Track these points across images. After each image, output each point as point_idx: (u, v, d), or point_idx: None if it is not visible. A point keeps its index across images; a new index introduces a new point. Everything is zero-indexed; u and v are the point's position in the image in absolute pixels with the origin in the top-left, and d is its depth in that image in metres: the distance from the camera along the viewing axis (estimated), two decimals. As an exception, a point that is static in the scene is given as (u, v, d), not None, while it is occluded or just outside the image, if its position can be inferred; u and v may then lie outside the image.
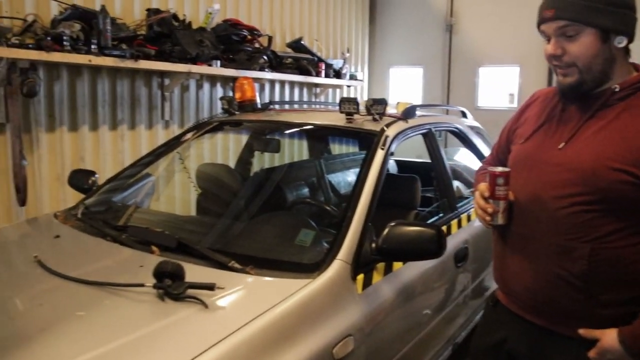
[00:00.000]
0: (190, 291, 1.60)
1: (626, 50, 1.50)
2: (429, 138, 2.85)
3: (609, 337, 1.44)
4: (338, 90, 6.43)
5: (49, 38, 3.23)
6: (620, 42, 1.44)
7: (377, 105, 2.55)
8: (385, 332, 1.99)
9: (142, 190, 2.83)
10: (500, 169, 1.59)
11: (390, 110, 2.72)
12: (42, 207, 3.73)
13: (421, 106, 3.00)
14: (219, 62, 4.33)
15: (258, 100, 3.12)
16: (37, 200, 3.70)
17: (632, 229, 1.43)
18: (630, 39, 1.47)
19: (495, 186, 1.57)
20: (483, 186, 1.63)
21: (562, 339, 1.56)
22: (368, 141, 2.39)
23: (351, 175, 3.58)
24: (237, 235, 2.18)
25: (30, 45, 3.17)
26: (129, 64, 3.65)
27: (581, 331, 1.50)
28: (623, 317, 1.44)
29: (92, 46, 3.42)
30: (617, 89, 1.47)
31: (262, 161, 3.61)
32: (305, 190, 3.07)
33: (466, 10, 6.66)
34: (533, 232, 1.55)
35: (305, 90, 5.90)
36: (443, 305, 2.55)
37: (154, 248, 1.96)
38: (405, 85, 7.26)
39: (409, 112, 2.72)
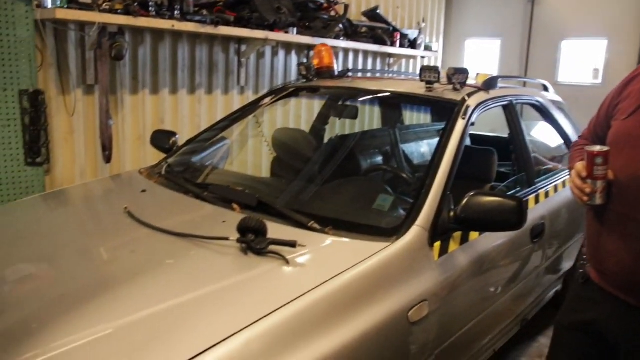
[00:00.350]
0: (273, 247, 1.65)
1: None
2: (510, 110, 2.77)
3: None
4: (412, 61, 6.32)
5: (136, 4, 3.37)
6: None
7: (459, 75, 2.50)
8: (459, 301, 1.99)
9: (219, 152, 2.92)
10: (598, 148, 1.52)
11: (469, 81, 2.66)
12: (125, 165, 3.92)
13: (503, 77, 2.91)
14: (295, 30, 4.36)
15: (335, 68, 3.13)
16: (120, 158, 3.89)
17: None
18: None
19: (593, 166, 1.51)
20: (580, 165, 1.56)
21: None
22: (448, 111, 2.35)
23: (424, 147, 3.55)
24: (314, 197, 2.21)
25: (119, 11, 3.31)
26: (209, 29, 3.74)
27: None
28: None
29: (175, 12, 3.53)
30: None
31: (336, 128, 3.62)
32: (379, 159, 3.07)
33: (551, -21, 6.34)
34: (632, 212, 1.49)
35: (379, 60, 5.84)
36: (516, 280, 2.51)
37: (235, 206, 2.03)
38: (480, 58, 7.04)
39: (490, 83, 2.65)
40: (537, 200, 2.68)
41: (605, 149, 1.51)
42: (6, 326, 1.43)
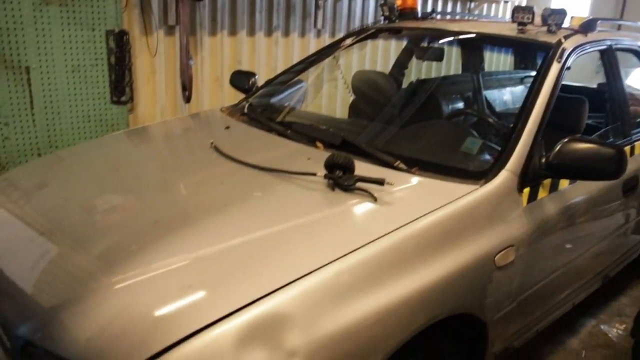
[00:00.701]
0: (360, 184, 1.65)
1: None
2: (608, 55, 2.60)
3: None
4: (494, 6, 6.01)
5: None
6: None
7: (555, 15, 2.34)
8: (544, 250, 1.94)
9: (297, 93, 2.91)
10: None
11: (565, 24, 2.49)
12: (203, 105, 4.02)
13: (602, 20, 2.71)
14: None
15: (419, 9, 3.02)
16: (198, 99, 3.98)
17: None
18: None
19: None
20: None
21: None
22: (542, 53, 2.22)
23: (507, 95, 3.40)
24: (397, 139, 2.18)
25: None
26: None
27: None
28: None
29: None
30: None
31: (417, 71, 3.52)
32: (461, 104, 2.97)
33: None
34: None
35: (459, 4, 5.59)
36: (603, 235, 2.41)
37: (319, 143, 2.04)
38: (570, 2, 6.58)
39: (589, 25, 2.48)
40: (632, 152, 2.54)
41: None
42: (108, 246, 1.52)
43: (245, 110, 2.55)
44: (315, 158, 1.86)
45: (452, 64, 4.21)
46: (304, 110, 2.94)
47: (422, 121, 2.38)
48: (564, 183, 2.03)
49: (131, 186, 1.91)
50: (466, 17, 3.65)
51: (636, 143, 2.58)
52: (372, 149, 1.92)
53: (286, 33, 4.29)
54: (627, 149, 2.50)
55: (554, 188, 1.97)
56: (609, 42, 2.61)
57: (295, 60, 4.06)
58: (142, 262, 1.38)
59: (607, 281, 2.76)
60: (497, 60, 4.01)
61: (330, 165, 1.70)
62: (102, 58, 3.43)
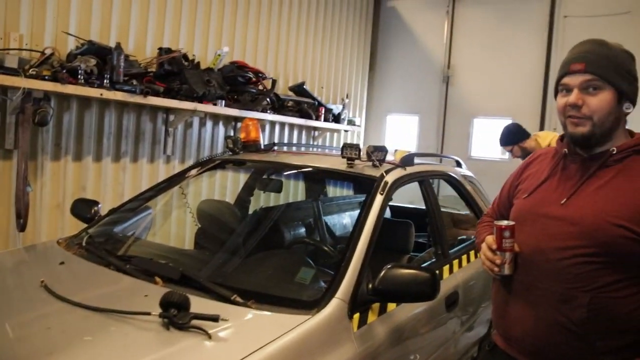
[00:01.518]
0: (195, 322, 1.66)
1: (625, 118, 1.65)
2: (425, 186, 2.96)
3: None
4: (335, 135, 6.60)
5: (64, 71, 3.36)
6: (628, 108, 1.61)
7: (377, 152, 2.66)
8: (379, 371, 2.05)
9: (143, 222, 2.90)
10: (506, 222, 1.69)
11: (388, 157, 2.84)
12: (40, 234, 3.78)
13: (419, 155, 3.12)
14: (223, 102, 4.49)
15: (261, 141, 3.24)
16: (35, 227, 3.75)
17: (631, 280, 1.53)
18: (634, 106, 1.63)
19: (502, 239, 1.67)
20: (490, 239, 1.73)
21: None
22: (368, 186, 2.49)
23: (346, 218, 3.68)
24: (237, 270, 2.25)
25: (46, 77, 3.29)
26: (138, 99, 3.78)
27: None
28: None
29: (105, 80, 3.56)
30: (614, 152, 1.61)
31: (260, 200, 3.70)
32: (302, 230, 3.16)
33: (462, 63, 6.93)
34: (535, 281, 1.65)
35: (304, 133, 6.06)
36: (432, 349, 2.60)
37: (158, 279, 2.03)
38: (401, 133, 7.45)
39: (407, 160, 2.84)
40: (451, 271, 2.84)
41: (512, 223, 1.69)
42: None
43: (84, 243, 2.48)
44: (153, 295, 1.84)
45: (298, 190, 4.49)
46: (150, 240, 2.92)
47: (263, 251, 2.49)
48: (392, 305, 2.20)
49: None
50: (305, 149, 3.97)
51: (454, 261, 2.89)
52: (210, 283, 1.96)
53: (134, 159, 4.30)
54: (447, 267, 2.80)
55: (383, 311, 2.14)
56: (425, 174, 2.98)
57: (144, 186, 4.07)
58: None
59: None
60: (346, 186, 4.36)
61: (165, 304, 1.70)
62: None
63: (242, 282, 2.06)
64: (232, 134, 4.76)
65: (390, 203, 4.35)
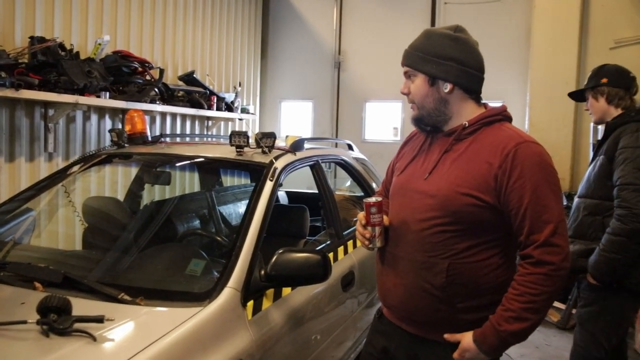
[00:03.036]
0: (78, 325, 1.59)
1: (474, 94, 1.78)
2: (316, 170, 3.01)
3: (467, 338, 1.68)
4: (230, 123, 6.52)
5: None
6: (446, 88, 1.73)
7: (266, 139, 2.66)
8: (276, 356, 2.07)
9: (23, 225, 2.71)
10: (373, 199, 1.81)
11: (281, 143, 2.85)
12: None
13: (309, 139, 3.16)
14: (107, 94, 4.27)
15: (149, 133, 3.13)
16: None
17: (483, 246, 1.68)
18: (461, 86, 1.74)
19: (370, 214, 1.78)
20: (361, 215, 1.85)
21: (432, 344, 1.77)
22: (258, 173, 2.49)
23: (242, 207, 3.66)
24: (126, 268, 2.17)
25: None
26: (9, 93, 3.50)
27: (446, 336, 1.72)
28: (480, 321, 1.68)
29: (-31, 74, 3.26)
30: (466, 125, 1.75)
31: (152, 194, 3.58)
32: (197, 222, 3.10)
33: (352, 49, 7.09)
34: (403, 252, 1.78)
35: (197, 123, 5.93)
36: (332, 329, 2.67)
37: (37, 284, 1.91)
38: (296, 119, 7.51)
39: (297, 145, 2.87)
40: (345, 251, 2.92)
41: (379, 199, 1.80)
42: None
43: (-49, 253, 2.28)
44: (32, 301, 1.73)
45: (193, 181, 4.39)
46: (32, 244, 2.73)
47: (154, 246, 2.41)
48: (287, 290, 2.23)
49: None
50: (193, 140, 3.90)
51: (348, 242, 2.98)
52: (95, 284, 1.87)
53: (11, 158, 3.99)
54: (341, 248, 2.88)
55: (277, 296, 2.16)
56: (315, 158, 3.03)
57: (24, 187, 3.79)
58: None
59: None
60: (231, 176, 4.31)
61: (43, 310, 1.60)
62: None
63: (131, 279, 1.99)
64: (119, 126, 4.55)
65: (287, 189, 4.45)
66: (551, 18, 5.73)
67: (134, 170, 3.39)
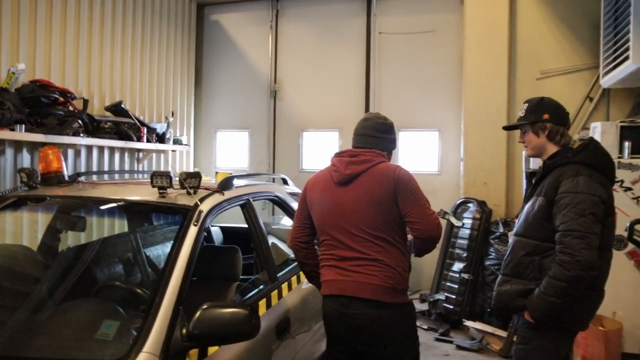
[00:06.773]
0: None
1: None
2: (247, 209, 2.84)
3: None
4: (162, 155, 6.26)
5: None
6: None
7: (190, 179, 2.49)
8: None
9: None
10: None
11: (211, 180, 2.68)
12: None
13: (240, 177, 3.00)
14: (23, 127, 3.97)
15: (65, 172, 2.89)
16: None
17: None
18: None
19: None
20: None
21: None
22: (182, 216, 2.31)
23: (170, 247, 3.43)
24: (31, 332, 1.91)
25: None
26: None
27: None
28: None
29: None
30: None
31: (72, 240, 3.30)
32: (120, 268, 2.86)
33: (288, 78, 7.02)
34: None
35: (127, 156, 5.63)
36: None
37: None
38: (232, 149, 7.33)
39: (225, 184, 2.71)
40: (280, 295, 2.75)
41: None
42: None
43: None
44: None
45: (116, 223, 4.11)
46: None
47: (67, 301, 2.17)
48: (213, 347, 2.04)
49: None
50: (111, 179, 3.64)
51: (282, 285, 2.82)
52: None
53: None
54: (275, 293, 2.71)
55: (202, 355, 1.97)
56: (246, 197, 2.87)
57: None
58: None
59: None
60: (164, 217, 4.05)
61: None
62: None
63: (34, 348, 1.75)
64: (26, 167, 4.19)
65: (221, 224, 4.23)
66: (481, 49, 5.87)
67: (48, 215, 3.10)
